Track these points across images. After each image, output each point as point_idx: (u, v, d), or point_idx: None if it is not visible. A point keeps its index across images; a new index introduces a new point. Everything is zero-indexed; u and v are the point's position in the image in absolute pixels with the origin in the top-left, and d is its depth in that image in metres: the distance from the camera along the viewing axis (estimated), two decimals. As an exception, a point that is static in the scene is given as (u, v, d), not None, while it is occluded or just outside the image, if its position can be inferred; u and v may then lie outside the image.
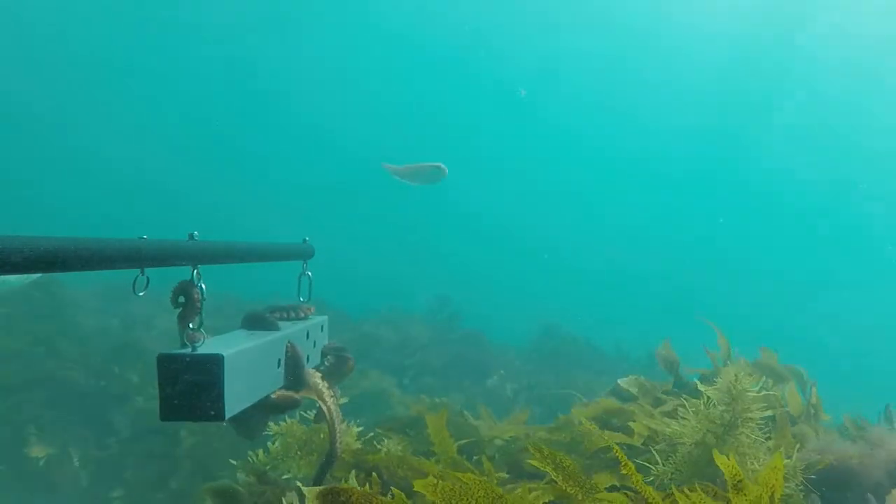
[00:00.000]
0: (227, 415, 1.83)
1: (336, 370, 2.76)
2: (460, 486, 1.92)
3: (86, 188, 26.57)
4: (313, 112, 33.84)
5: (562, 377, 9.07)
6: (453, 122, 35.34)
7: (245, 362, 1.96)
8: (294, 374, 2.38)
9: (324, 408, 2.49)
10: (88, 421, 6.42)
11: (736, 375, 2.50)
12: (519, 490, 2.43)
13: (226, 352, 1.82)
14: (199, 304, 1.91)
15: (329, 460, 2.59)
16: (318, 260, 2.77)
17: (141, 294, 1.81)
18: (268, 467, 2.92)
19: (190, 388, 1.79)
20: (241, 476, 2.92)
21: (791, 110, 31.93)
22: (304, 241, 2.65)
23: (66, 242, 1.48)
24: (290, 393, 2.34)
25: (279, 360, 2.29)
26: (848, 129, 31.38)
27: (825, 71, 30.15)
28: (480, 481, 1.93)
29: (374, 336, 9.59)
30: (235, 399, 1.89)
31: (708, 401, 2.60)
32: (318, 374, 2.49)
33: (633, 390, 3.56)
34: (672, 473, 2.57)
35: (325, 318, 2.79)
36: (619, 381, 3.75)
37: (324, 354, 2.78)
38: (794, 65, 30.42)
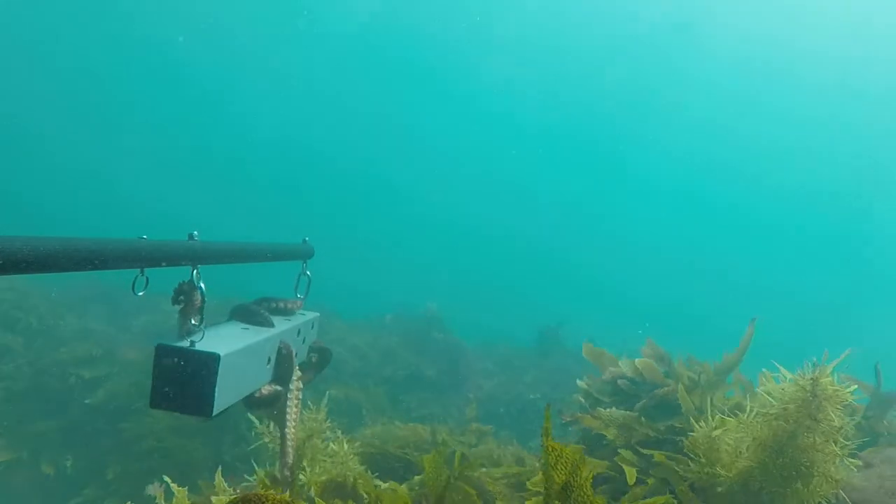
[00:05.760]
0: (215, 412, 1.83)
1: (318, 366, 2.83)
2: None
3: (86, 189, 26.41)
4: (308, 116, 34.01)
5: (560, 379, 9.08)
6: (440, 128, 35.69)
7: (239, 361, 1.96)
8: (285, 374, 2.39)
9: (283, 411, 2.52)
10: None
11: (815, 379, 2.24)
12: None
13: (222, 351, 1.82)
14: (199, 303, 1.90)
15: (286, 466, 2.62)
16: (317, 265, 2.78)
17: (140, 294, 1.80)
18: None
19: (183, 381, 1.79)
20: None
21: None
22: (304, 241, 2.64)
23: (65, 243, 1.46)
24: (277, 388, 2.36)
25: (269, 357, 2.29)
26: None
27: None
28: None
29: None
30: (224, 397, 1.88)
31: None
32: (297, 375, 2.51)
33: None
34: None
35: (318, 314, 2.81)
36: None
37: (310, 351, 2.80)
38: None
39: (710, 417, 2.69)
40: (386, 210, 34.01)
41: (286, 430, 2.57)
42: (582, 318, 15.34)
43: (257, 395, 2.26)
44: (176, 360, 1.79)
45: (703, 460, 2.53)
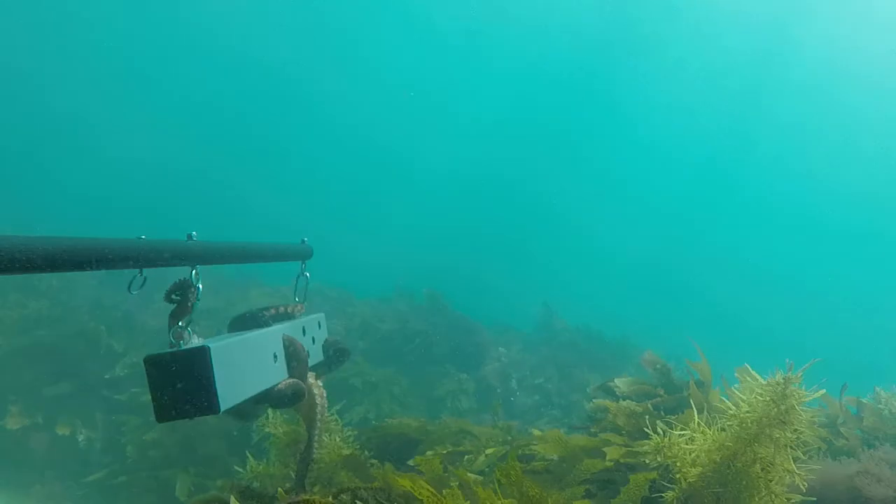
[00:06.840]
0: (222, 407, 1.81)
1: (335, 362, 2.83)
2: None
3: (86, 186, 26.65)
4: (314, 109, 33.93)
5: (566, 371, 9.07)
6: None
7: (235, 356, 1.94)
8: (299, 369, 2.36)
9: (314, 410, 2.55)
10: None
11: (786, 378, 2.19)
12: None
13: (212, 344, 1.80)
14: (190, 304, 1.90)
15: (304, 463, 2.65)
16: (322, 252, 2.78)
17: (135, 293, 1.83)
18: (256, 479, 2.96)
19: (181, 385, 1.76)
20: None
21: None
22: (303, 241, 2.64)
23: (64, 243, 1.49)
24: (295, 382, 2.33)
25: (275, 354, 2.26)
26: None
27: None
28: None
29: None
30: (230, 391, 1.86)
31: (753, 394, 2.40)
32: (313, 375, 2.53)
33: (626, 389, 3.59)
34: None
35: (322, 314, 2.80)
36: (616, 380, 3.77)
37: (325, 349, 2.81)
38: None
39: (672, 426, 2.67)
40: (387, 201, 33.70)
41: (314, 431, 2.58)
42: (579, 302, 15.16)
43: (275, 390, 2.24)
44: (168, 366, 1.76)
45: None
